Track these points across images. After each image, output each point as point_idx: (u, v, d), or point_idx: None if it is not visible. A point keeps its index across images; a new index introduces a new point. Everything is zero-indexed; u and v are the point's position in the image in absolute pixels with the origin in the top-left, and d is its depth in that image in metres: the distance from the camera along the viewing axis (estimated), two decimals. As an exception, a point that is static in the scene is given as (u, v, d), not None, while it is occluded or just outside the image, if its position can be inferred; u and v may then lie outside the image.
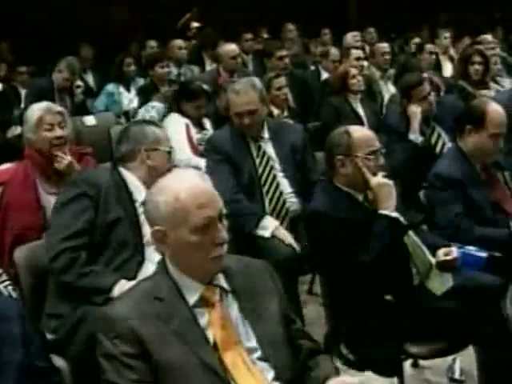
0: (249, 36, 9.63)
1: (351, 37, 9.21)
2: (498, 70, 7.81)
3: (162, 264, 2.38)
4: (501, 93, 6.31)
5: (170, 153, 3.57)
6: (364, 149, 3.39)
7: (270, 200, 4.38)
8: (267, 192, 4.39)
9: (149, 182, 3.38)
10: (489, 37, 8.86)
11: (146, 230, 3.30)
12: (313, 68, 8.41)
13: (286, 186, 4.41)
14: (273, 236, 4.20)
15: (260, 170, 4.42)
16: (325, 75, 7.75)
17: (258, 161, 4.44)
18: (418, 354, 3.43)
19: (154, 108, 6.04)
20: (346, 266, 3.24)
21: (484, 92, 6.48)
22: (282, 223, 4.33)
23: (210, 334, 2.28)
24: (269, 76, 5.96)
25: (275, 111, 5.86)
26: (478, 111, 4.06)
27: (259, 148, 4.47)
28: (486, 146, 4.01)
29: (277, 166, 4.45)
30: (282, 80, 5.92)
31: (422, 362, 4.04)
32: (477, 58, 6.80)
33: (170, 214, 2.26)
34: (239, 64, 7.26)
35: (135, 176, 3.45)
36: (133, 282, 3.09)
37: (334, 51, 8.04)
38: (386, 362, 3.29)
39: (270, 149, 4.48)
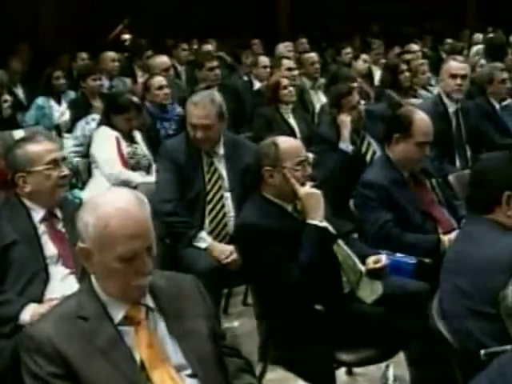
0: (185, 46, 9.62)
1: (283, 47, 9.29)
2: (427, 79, 7.97)
3: (87, 281, 2.34)
4: (426, 100, 6.43)
5: (56, 161, 3.42)
6: (292, 159, 3.40)
7: (212, 219, 4.32)
8: (211, 211, 4.32)
9: (39, 203, 3.39)
10: (415, 46, 9.05)
11: (49, 249, 3.31)
12: (245, 79, 8.43)
13: (230, 207, 4.34)
14: (207, 249, 4.19)
15: (208, 188, 4.34)
16: (257, 85, 7.78)
17: (207, 177, 4.36)
18: (350, 362, 3.47)
19: (95, 120, 5.96)
20: (276, 277, 3.25)
21: (412, 100, 6.59)
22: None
23: (137, 353, 2.25)
24: (200, 87, 5.95)
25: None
26: (405, 120, 4.12)
27: (211, 164, 4.38)
28: (413, 154, 4.08)
29: (226, 185, 4.38)
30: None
31: (355, 370, 4.07)
32: (403, 67, 6.93)
33: (98, 238, 2.20)
34: (171, 76, 7.23)
35: (26, 199, 3.41)
36: (45, 305, 3.07)
37: (263, 58, 8.10)
38: (318, 371, 3.30)
39: (221, 166, 4.40)
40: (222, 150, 4.44)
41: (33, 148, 3.43)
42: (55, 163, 3.42)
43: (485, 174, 2.87)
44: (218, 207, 4.34)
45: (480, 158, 4.15)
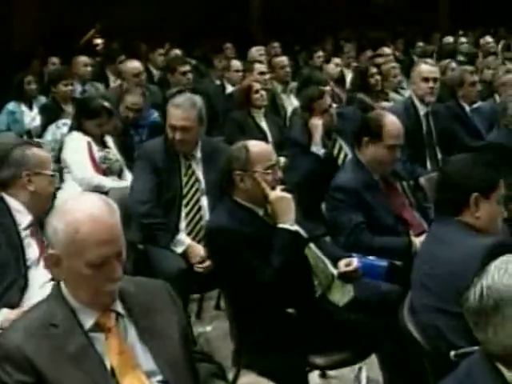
0: (162, 51, 9.57)
1: (256, 51, 9.28)
2: (398, 82, 8.02)
3: (56, 288, 2.32)
4: (397, 104, 6.46)
5: (53, 176, 3.56)
6: (262, 163, 3.40)
7: (189, 222, 4.32)
8: (187, 214, 4.33)
9: (33, 207, 3.39)
10: (387, 50, 9.10)
11: (31, 253, 3.30)
12: (218, 82, 8.42)
13: (206, 210, 4.34)
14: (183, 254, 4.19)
15: (185, 190, 4.36)
16: (229, 89, 7.77)
17: (185, 180, 4.38)
18: (323, 365, 3.48)
19: (66, 125, 5.92)
20: (248, 281, 3.25)
21: (383, 104, 6.63)
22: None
23: (108, 360, 2.24)
24: (171, 92, 5.94)
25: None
26: (375, 123, 4.14)
27: (189, 167, 4.41)
28: (383, 157, 4.09)
29: (202, 188, 4.39)
30: (185, 96, 5.89)
31: (329, 373, 4.08)
32: (373, 70, 6.97)
33: (67, 244, 2.19)
34: (143, 81, 7.18)
35: (18, 201, 3.40)
36: (16, 311, 3.05)
37: (235, 62, 8.10)
38: (291, 375, 3.30)
39: (199, 170, 4.42)
40: (199, 154, 4.46)
41: (40, 152, 3.55)
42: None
43: (452, 176, 2.90)
44: (195, 210, 4.35)
45: (447, 161, 4.18)
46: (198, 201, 4.37)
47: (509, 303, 1.88)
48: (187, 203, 4.35)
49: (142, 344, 2.31)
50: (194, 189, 4.38)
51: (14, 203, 3.39)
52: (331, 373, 4.07)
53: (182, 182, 4.38)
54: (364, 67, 7.37)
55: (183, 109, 4.36)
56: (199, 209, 4.35)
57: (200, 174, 4.43)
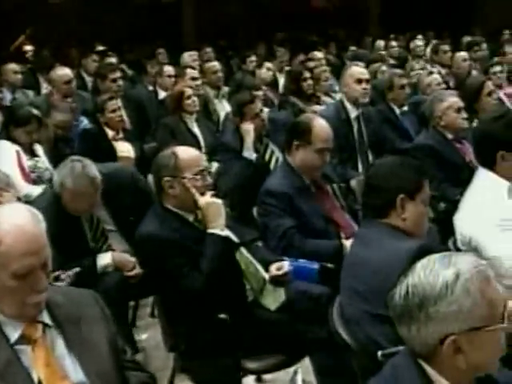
0: (95, 57, 9.47)
1: (188, 56, 9.26)
2: (330, 85, 8.10)
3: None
4: (328, 107, 6.53)
5: (20, 199, 3.72)
6: (191, 169, 3.38)
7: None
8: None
9: None
10: (319, 53, 9.19)
11: None
12: (150, 88, 8.37)
13: (119, 244, 4.27)
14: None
15: (95, 244, 4.17)
16: (162, 94, 7.73)
17: (91, 235, 4.16)
18: (258, 369, 3.48)
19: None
20: (178, 287, 3.24)
21: (315, 107, 6.69)
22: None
23: (35, 373, 2.20)
24: (102, 99, 5.89)
25: (110, 133, 5.82)
26: (304, 127, 4.15)
27: (91, 219, 4.17)
28: (313, 160, 4.10)
29: (113, 229, 4.31)
30: (116, 102, 5.86)
31: (264, 376, 4.09)
32: (306, 74, 7.03)
33: None
34: (73, 88, 7.08)
35: None
36: None
37: (167, 68, 8.05)
38: (225, 380, 3.31)
39: (104, 214, 4.31)
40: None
41: (8, 177, 3.86)
42: None
43: (377, 179, 2.92)
44: (104, 248, 4.22)
45: (373, 164, 4.22)
46: (106, 241, 4.24)
47: (433, 302, 1.90)
48: (99, 249, 4.18)
49: (71, 355, 2.28)
50: (102, 239, 4.22)
51: None
52: (266, 376, 4.08)
53: (88, 239, 4.14)
54: (298, 71, 7.42)
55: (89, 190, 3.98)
56: (109, 246, 4.24)
57: (106, 217, 4.33)
